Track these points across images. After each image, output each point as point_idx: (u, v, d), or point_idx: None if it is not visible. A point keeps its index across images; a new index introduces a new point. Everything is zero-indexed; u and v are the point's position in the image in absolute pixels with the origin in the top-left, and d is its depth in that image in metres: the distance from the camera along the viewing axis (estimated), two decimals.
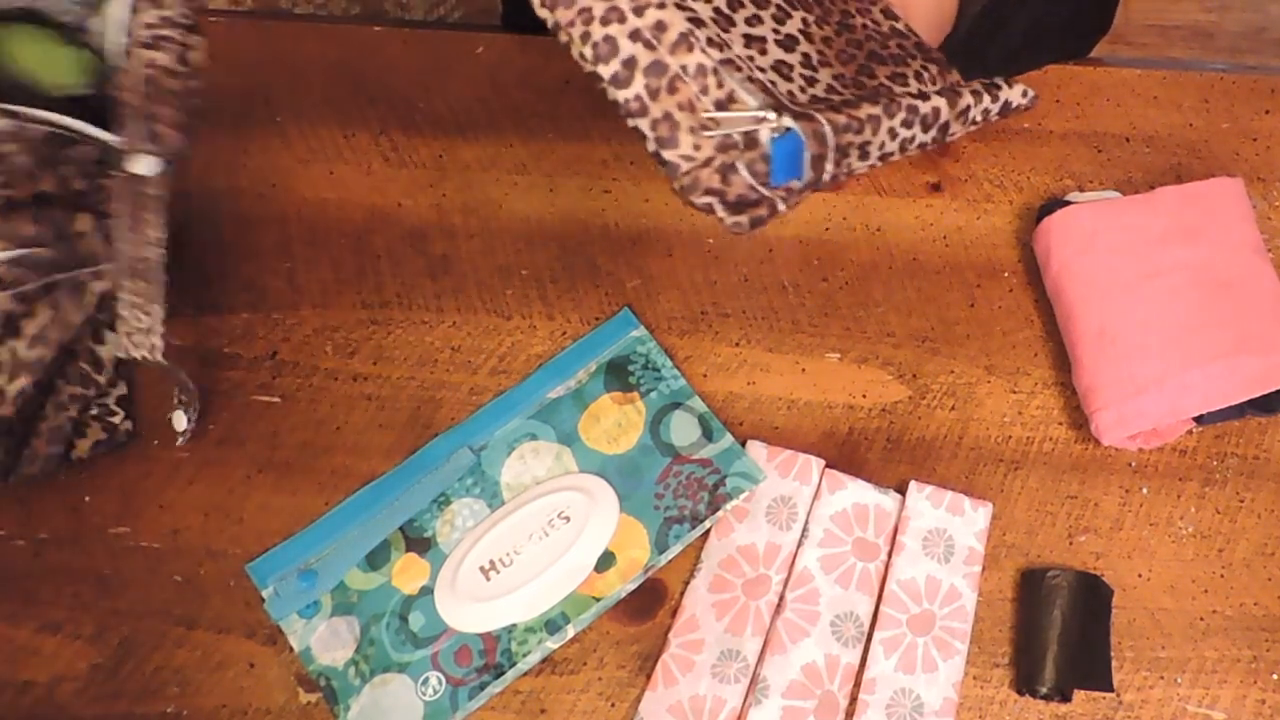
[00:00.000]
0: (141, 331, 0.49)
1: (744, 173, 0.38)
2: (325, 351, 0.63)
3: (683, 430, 0.59)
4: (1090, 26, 0.70)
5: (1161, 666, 0.56)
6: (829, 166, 0.40)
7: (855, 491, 0.58)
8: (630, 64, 0.40)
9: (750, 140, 0.38)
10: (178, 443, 0.59)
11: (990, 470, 0.60)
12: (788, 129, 0.38)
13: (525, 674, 0.56)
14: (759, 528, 0.57)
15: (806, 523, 0.58)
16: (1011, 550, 0.59)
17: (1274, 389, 0.57)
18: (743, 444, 0.60)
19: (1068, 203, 0.63)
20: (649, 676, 0.55)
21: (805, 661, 0.54)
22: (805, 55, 0.44)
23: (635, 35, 0.40)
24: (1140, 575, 0.58)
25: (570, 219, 0.66)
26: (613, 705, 0.55)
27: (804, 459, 0.59)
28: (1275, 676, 0.56)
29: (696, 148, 0.39)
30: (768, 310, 0.64)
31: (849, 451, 0.61)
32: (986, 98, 0.46)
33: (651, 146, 0.39)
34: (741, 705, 0.54)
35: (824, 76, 0.44)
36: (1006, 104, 0.47)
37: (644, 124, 0.40)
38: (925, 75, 0.47)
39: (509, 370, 0.62)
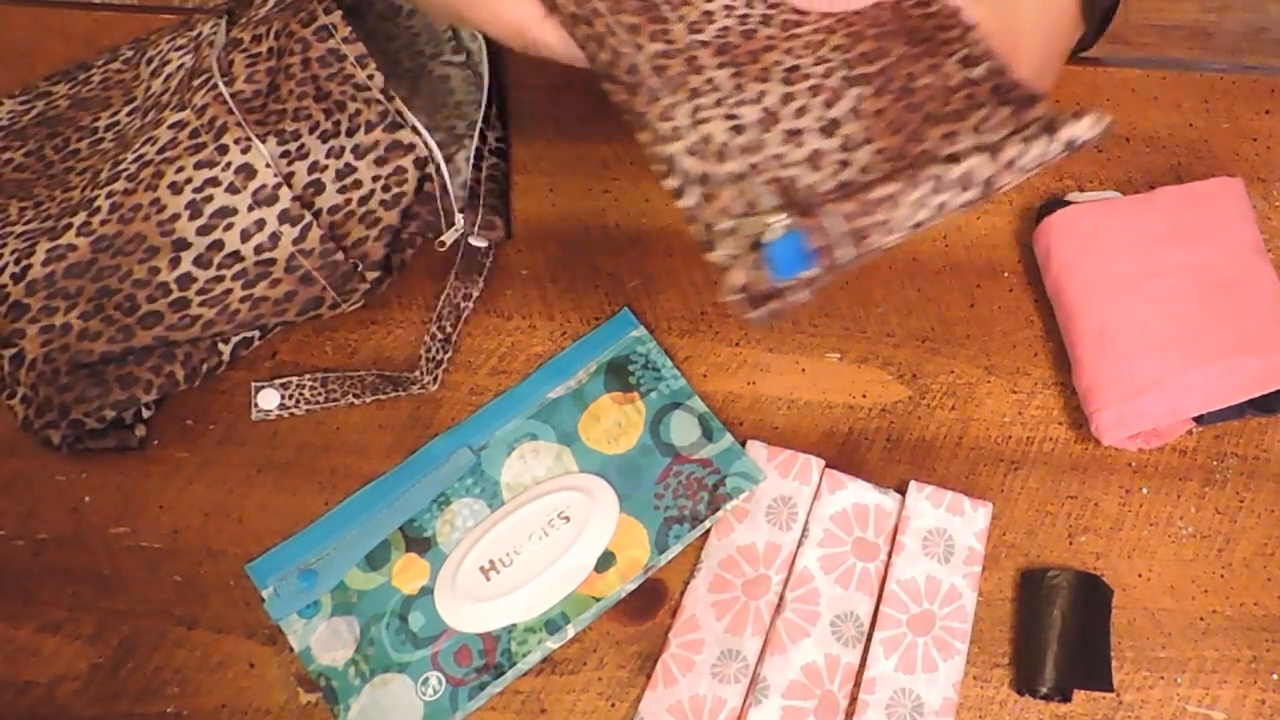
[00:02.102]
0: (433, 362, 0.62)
1: (758, 270, 0.41)
2: (325, 351, 0.63)
3: (683, 430, 0.59)
4: (1092, 24, 0.70)
5: (1161, 666, 0.56)
6: (842, 252, 0.42)
7: (855, 491, 0.58)
8: (686, 177, 0.44)
9: (756, 242, 0.41)
10: (254, 417, 0.61)
11: (990, 470, 0.60)
12: (789, 228, 0.41)
13: (525, 674, 0.56)
14: (759, 528, 0.57)
15: (806, 523, 0.58)
16: (1011, 550, 0.59)
17: (1274, 389, 0.57)
18: (743, 444, 0.60)
19: (1068, 203, 0.63)
20: (649, 676, 0.55)
21: (805, 661, 0.54)
22: (847, 137, 0.45)
23: (692, 151, 0.44)
24: (1140, 575, 0.58)
25: (570, 219, 0.66)
26: (613, 705, 0.55)
27: (804, 459, 0.59)
28: (1275, 676, 0.56)
29: (731, 250, 0.42)
30: None
31: (849, 451, 0.61)
32: (1043, 140, 0.44)
33: (703, 249, 0.43)
34: (741, 705, 0.54)
35: (862, 156, 0.45)
36: (1071, 142, 0.45)
37: (698, 229, 0.44)
38: (989, 123, 0.46)
39: (509, 370, 0.62)
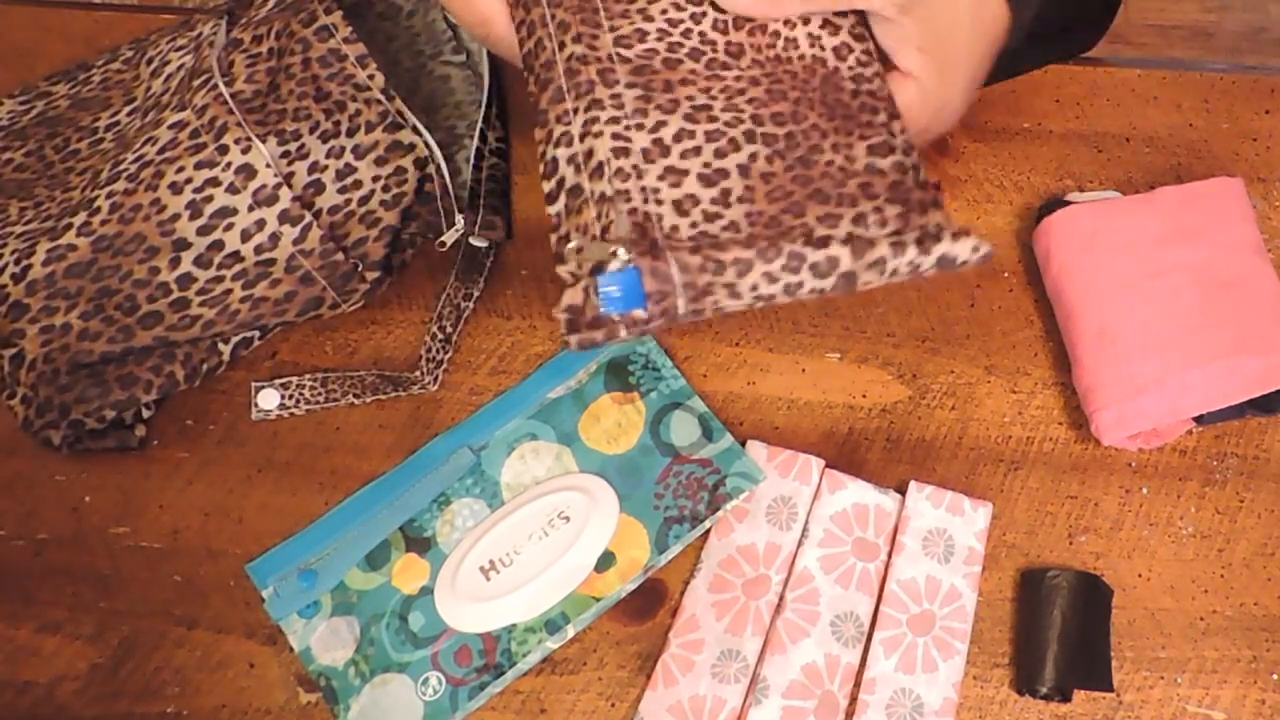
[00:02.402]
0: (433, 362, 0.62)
1: (592, 297, 0.40)
2: (325, 351, 0.63)
3: (683, 430, 0.59)
4: (1093, 22, 0.70)
5: (1161, 666, 0.56)
6: (677, 303, 0.41)
7: (855, 491, 0.58)
8: (560, 184, 0.44)
9: (598, 268, 0.40)
10: (254, 416, 0.61)
11: (990, 470, 0.60)
12: (628, 263, 0.40)
13: (525, 674, 0.56)
14: (759, 528, 0.57)
15: (806, 523, 0.58)
16: (1011, 550, 0.59)
17: (1274, 389, 0.57)
18: (743, 444, 0.60)
19: (1068, 203, 0.63)
20: (649, 676, 0.55)
21: (805, 661, 0.54)
22: (726, 191, 0.44)
23: (572, 160, 0.44)
24: (1140, 575, 0.58)
25: None
26: (613, 705, 0.55)
27: (804, 459, 0.59)
28: (1275, 676, 0.56)
29: (574, 268, 0.42)
30: (768, 310, 0.64)
31: (849, 451, 0.61)
32: (913, 250, 0.43)
33: (554, 259, 0.43)
34: (741, 705, 0.54)
35: (733, 213, 0.44)
36: (945, 259, 0.44)
37: (553, 237, 0.44)
38: (872, 218, 0.44)
39: (509, 370, 0.62)
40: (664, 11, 0.48)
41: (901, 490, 0.59)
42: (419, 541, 0.57)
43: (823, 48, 0.49)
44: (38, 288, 0.56)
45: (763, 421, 0.61)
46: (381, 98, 0.58)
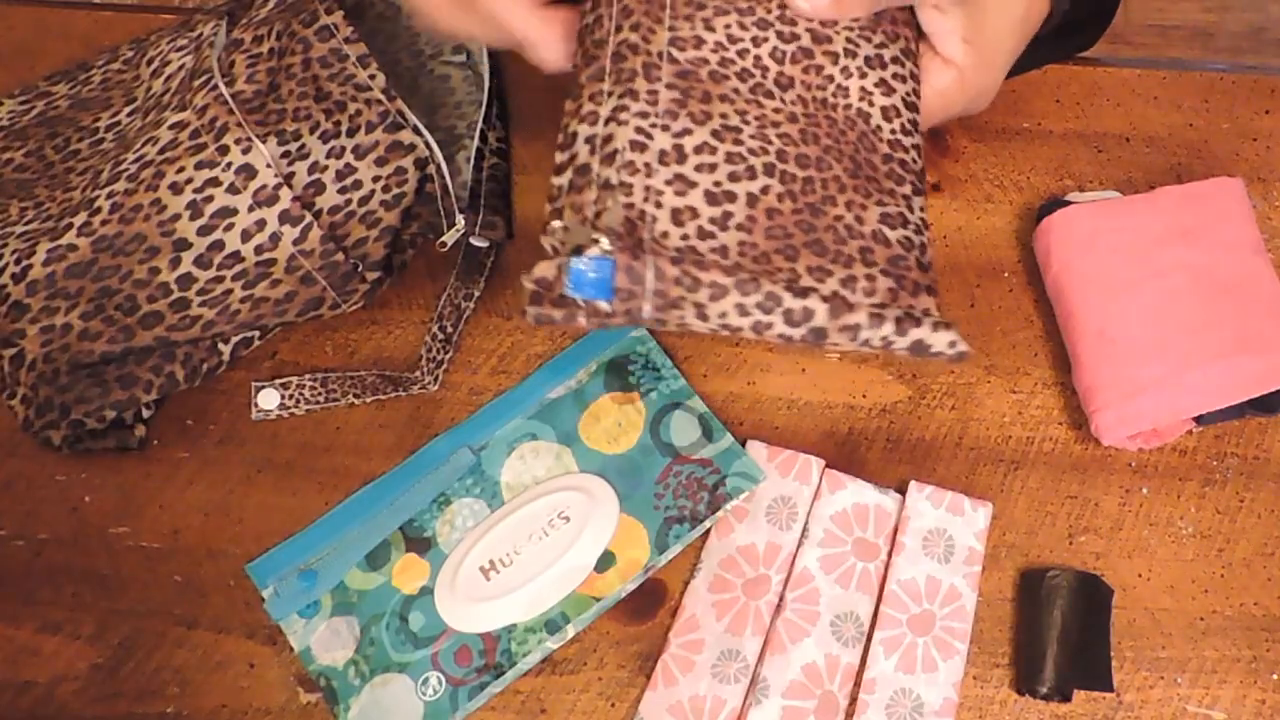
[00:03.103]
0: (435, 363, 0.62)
1: (564, 276, 0.40)
2: (325, 351, 0.63)
3: (683, 430, 0.59)
4: (1093, 20, 0.70)
5: (1161, 666, 0.56)
6: (648, 308, 0.41)
7: (855, 491, 0.58)
8: (572, 159, 0.44)
9: (578, 250, 0.41)
10: (254, 417, 0.61)
11: (990, 470, 0.60)
12: (608, 253, 0.40)
13: (525, 674, 0.56)
14: (759, 528, 0.57)
15: (806, 523, 0.58)
16: (1011, 550, 0.59)
17: (1274, 389, 0.57)
18: (743, 444, 0.60)
19: (1068, 203, 0.63)
20: (649, 676, 0.55)
21: (805, 661, 0.54)
22: (728, 214, 0.44)
23: (590, 139, 0.44)
24: (1140, 575, 0.58)
25: None
26: (613, 705, 0.55)
27: (804, 459, 0.59)
28: (1275, 676, 0.56)
29: (556, 242, 0.42)
30: None
31: (849, 451, 0.61)
32: (890, 326, 0.43)
33: (541, 231, 0.43)
34: (741, 705, 0.54)
35: (727, 238, 0.43)
36: (921, 343, 0.44)
37: (548, 207, 0.44)
38: (861, 284, 0.44)
39: (509, 370, 0.62)
40: (727, 26, 0.48)
41: (901, 490, 0.59)
42: (419, 541, 0.57)
43: (871, 103, 0.49)
44: (38, 288, 0.56)
45: (763, 421, 0.61)
46: (382, 98, 0.58)
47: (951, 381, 0.62)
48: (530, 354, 0.63)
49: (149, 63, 0.64)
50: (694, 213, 0.43)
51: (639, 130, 0.44)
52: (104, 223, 0.56)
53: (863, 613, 0.56)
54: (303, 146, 0.57)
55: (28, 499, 0.60)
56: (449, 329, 0.62)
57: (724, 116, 0.46)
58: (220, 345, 0.60)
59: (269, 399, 0.61)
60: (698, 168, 0.44)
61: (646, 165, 0.43)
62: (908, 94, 0.50)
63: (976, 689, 0.56)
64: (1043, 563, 0.58)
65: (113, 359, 0.57)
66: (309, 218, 0.56)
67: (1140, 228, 0.61)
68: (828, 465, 0.59)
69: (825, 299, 0.42)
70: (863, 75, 0.49)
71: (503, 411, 0.60)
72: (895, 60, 0.50)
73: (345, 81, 0.58)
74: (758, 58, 0.48)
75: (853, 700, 0.55)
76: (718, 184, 0.44)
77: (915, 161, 0.49)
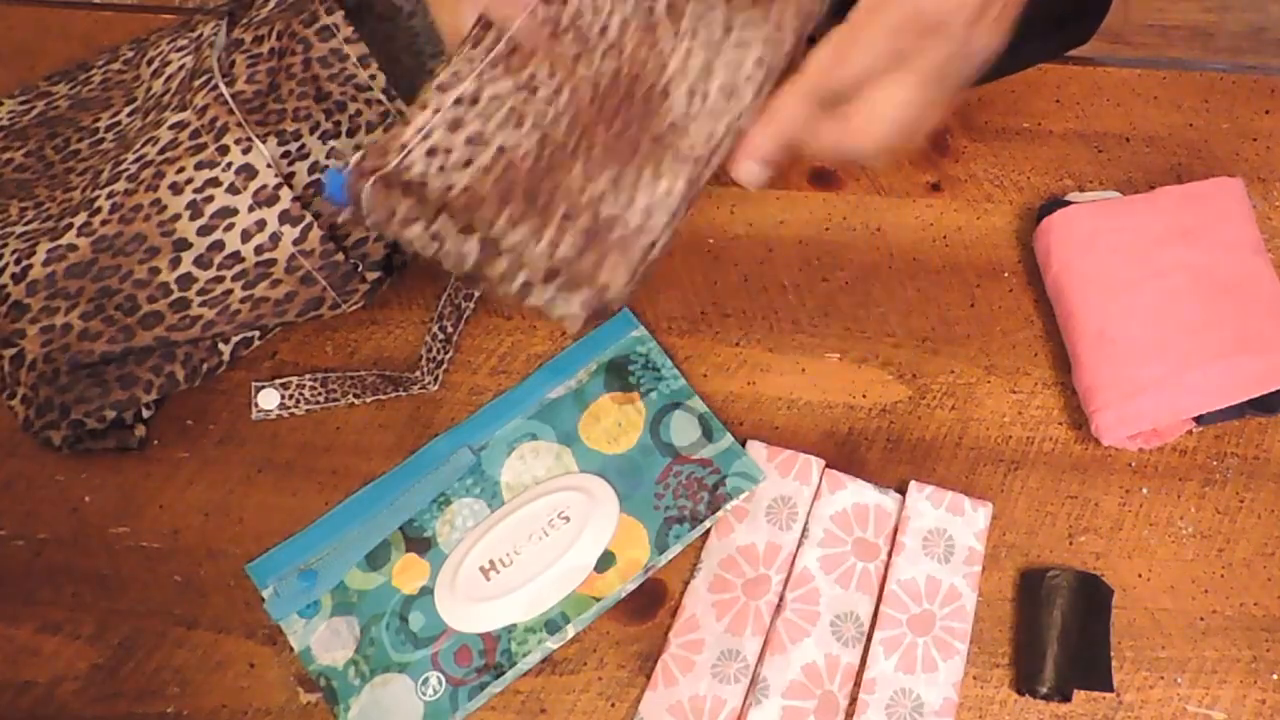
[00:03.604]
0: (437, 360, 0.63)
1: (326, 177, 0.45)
2: (325, 351, 0.63)
3: (683, 430, 0.59)
4: (1089, 13, 0.70)
5: (1161, 666, 0.56)
6: (353, 218, 0.46)
7: (855, 491, 0.58)
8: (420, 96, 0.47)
9: (341, 160, 0.46)
10: (254, 417, 0.61)
11: (990, 470, 0.60)
12: (345, 168, 0.45)
13: (525, 674, 0.56)
14: (759, 528, 0.57)
15: (806, 523, 0.58)
16: (1011, 550, 0.59)
17: (1274, 389, 0.57)
18: (743, 444, 0.60)
19: (1068, 203, 0.63)
20: (649, 676, 0.55)
21: (805, 661, 0.54)
22: (470, 159, 0.46)
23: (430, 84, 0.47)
24: (1140, 575, 0.58)
25: None
26: (613, 705, 0.55)
27: (804, 459, 0.59)
28: (1275, 676, 0.56)
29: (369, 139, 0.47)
30: (768, 310, 0.64)
31: (849, 451, 0.61)
32: (551, 288, 0.46)
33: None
34: (741, 705, 0.54)
35: (455, 178, 0.45)
36: (551, 303, 0.46)
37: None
38: (549, 239, 0.46)
39: (509, 370, 0.62)
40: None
41: (901, 490, 0.59)
42: (419, 541, 0.57)
43: (678, 83, 0.49)
44: (38, 288, 0.56)
45: (763, 421, 0.61)
46: (382, 98, 0.58)
47: (951, 381, 0.62)
48: (530, 354, 0.63)
49: (149, 63, 0.64)
50: (447, 152, 0.46)
51: (455, 73, 0.46)
52: (104, 223, 0.56)
53: (863, 613, 0.56)
54: (303, 147, 0.57)
55: (28, 499, 0.60)
56: (449, 329, 0.62)
57: (534, 74, 0.47)
58: (220, 345, 0.60)
59: (269, 399, 0.61)
60: (479, 115, 0.46)
61: (439, 104, 0.46)
62: (731, 82, 0.49)
63: (976, 689, 0.56)
64: (1043, 563, 0.58)
65: (113, 359, 0.57)
66: (309, 218, 0.56)
67: (1140, 228, 0.61)
68: (828, 465, 0.59)
69: (480, 243, 0.45)
70: (689, 55, 0.49)
71: (503, 411, 0.60)
72: (739, 46, 0.49)
73: (345, 81, 0.58)
74: (605, 28, 0.48)
75: (853, 700, 0.55)
76: (480, 132, 0.46)
77: (695, 147, 0.48)
